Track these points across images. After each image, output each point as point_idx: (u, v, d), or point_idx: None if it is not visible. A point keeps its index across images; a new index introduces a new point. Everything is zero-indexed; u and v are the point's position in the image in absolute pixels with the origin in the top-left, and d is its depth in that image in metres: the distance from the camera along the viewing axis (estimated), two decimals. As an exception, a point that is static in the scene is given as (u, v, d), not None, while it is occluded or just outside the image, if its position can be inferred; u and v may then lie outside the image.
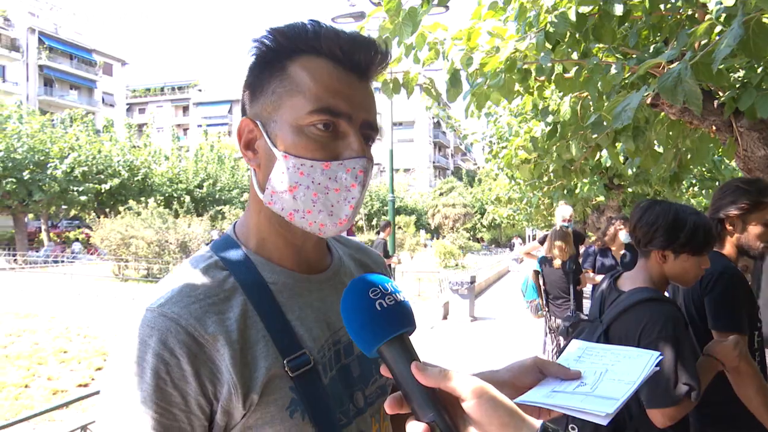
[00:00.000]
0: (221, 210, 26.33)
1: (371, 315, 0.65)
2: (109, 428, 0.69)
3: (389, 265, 4.81)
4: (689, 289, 2.06)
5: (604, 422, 0.65)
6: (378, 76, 0.84)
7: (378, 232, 10.44)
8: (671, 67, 1.56)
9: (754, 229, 2.02)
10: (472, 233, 40.96)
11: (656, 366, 0.77)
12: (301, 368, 0.76)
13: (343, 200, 0.79)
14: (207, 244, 0.88)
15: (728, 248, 2.09)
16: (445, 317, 10.03)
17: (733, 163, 3.26)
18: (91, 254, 22.58)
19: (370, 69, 0.81)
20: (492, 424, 0.58)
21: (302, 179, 0.77)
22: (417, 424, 0.60)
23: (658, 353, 0.79)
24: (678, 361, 1.58)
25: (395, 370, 0.63)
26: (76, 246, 25.54)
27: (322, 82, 0.77)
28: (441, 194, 43.54)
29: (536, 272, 5.58)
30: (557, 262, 5.23)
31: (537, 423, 0.59)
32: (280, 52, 0.80)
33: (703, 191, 7.61)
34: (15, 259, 20.30)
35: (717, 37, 1.60)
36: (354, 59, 0.79)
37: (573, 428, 1.79)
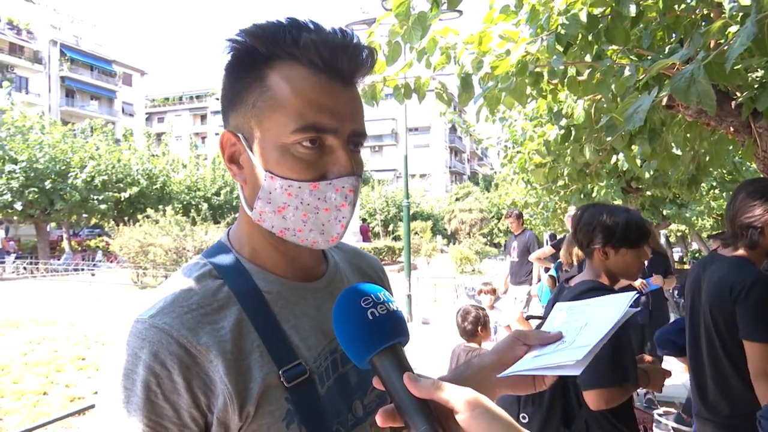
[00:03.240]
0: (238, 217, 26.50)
1: (363, 325, 0.63)
2: None
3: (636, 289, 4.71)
4: (714, 298, 1.99)
5: (577, 371, 0.64)
6: (363, 78, 0.78)
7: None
8: (684, 67, 1.52)
9: None
10: (489, 238, 40.72)
11: (632, 306, 0.76)
12: (296, 378, 0.75)
13: (333, 219, 0.77)
14: (197, 253, 0.86)
15: (756, 254, 2.01)
16: (461, 323, 9.95)
17: (754, 165, 3.20)
18: (111, 262, 22.89)
19: (356, 74, 0.77)
20: None
21: (291, 200, 0.75)
22: None
23: (634, 292, 0.78)
24: (616, 348, 1.65)
25: (387, 382, 0.62)
26: (99, 254, 25.92)
27: (304, 95, 0.72)
28: (457, 199, 43.39)
29: (552, 277, 5.52)
30: (571, 267, 5.18)
31: None
32: (257, 57, 0.74)
33: (724, 194, 7.46)
34: (37, 268, 20.65)
35: (732, 37, 1.55)
36: (337, 67, 0.74)
37: (524, 417, 1.85)
